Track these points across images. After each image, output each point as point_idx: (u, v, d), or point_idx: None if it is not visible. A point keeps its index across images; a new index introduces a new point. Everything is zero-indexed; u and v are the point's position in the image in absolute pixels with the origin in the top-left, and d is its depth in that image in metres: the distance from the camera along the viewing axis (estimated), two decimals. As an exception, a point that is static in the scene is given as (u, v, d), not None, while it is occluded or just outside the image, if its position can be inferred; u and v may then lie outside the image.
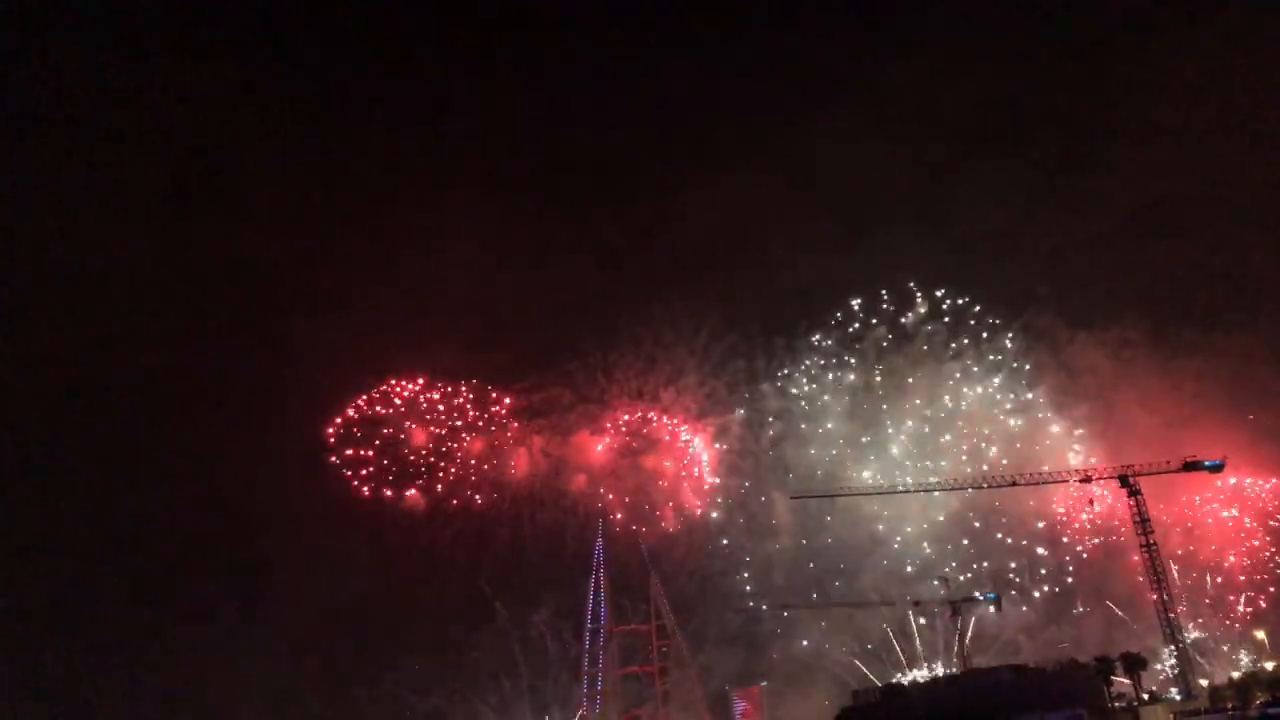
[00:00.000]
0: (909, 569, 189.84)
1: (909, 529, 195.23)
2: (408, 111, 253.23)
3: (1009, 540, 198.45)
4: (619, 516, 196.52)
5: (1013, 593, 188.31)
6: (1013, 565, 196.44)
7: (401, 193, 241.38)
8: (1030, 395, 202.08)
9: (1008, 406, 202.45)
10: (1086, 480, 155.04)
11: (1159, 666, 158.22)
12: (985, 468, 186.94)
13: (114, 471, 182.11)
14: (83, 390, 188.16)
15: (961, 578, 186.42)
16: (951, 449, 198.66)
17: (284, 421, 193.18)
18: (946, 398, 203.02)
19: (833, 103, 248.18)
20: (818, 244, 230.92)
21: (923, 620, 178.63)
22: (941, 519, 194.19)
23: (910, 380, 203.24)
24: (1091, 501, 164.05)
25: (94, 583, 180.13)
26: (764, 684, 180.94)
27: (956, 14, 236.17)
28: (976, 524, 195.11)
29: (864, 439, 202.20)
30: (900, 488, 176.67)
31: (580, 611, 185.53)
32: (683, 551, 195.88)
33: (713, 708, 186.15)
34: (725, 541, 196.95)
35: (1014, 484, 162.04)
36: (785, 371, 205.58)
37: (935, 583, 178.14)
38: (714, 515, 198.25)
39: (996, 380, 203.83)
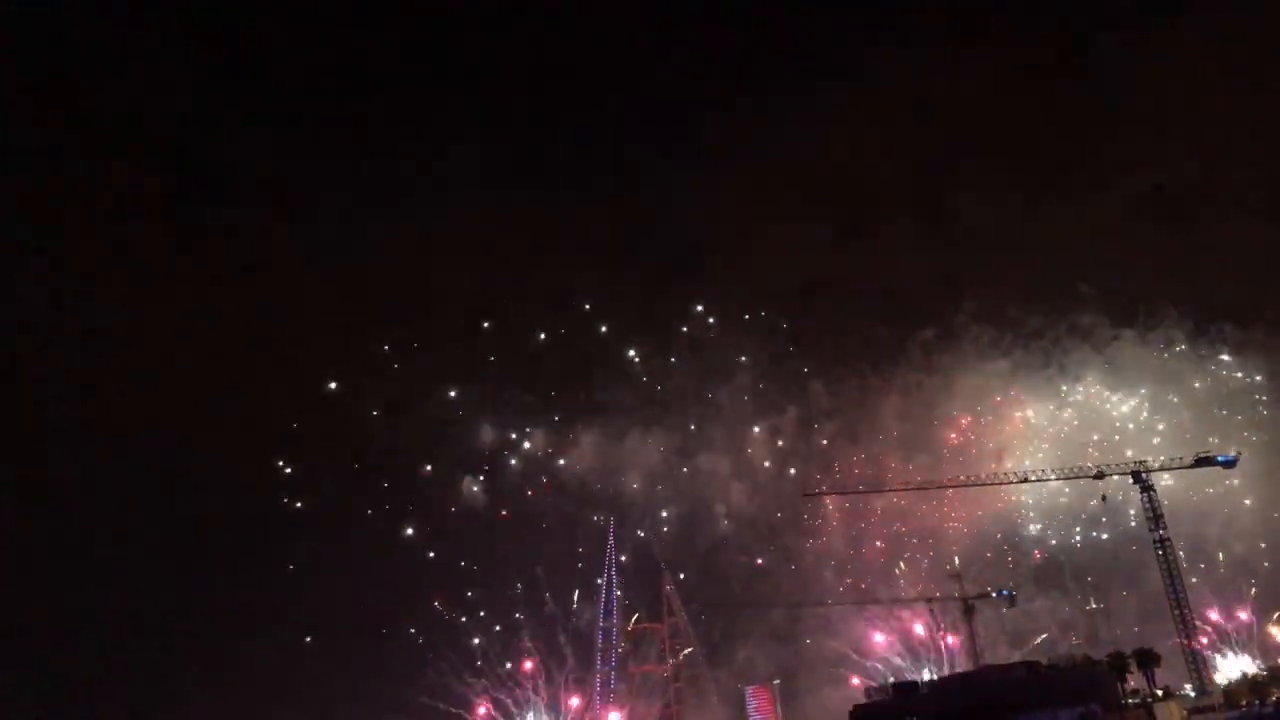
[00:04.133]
0: (927, 565, 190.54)
1: (935, 526, 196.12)
2: (402, 113, 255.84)
3: (1026, 536, 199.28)
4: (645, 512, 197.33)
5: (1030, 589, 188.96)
6: (1029, 562, 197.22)
7: (400, 195, 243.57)
8: (1067, 393, 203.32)
9: (1051, 407, 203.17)
10: (1099, 477, 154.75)
11: (1174, 662, 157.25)
12: (1011, 465, 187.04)
13: (114, 471, 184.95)
14: (84, 389, 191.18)
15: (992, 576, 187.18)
16: (984, 447, 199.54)
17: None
18: (989, 397, 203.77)
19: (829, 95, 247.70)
20: (834, 241, 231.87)
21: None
22: (958, 515, 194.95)
23: (955, 379, 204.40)
24: (1104, 497, 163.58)
25: (96, 583, 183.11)
26: (777, 682, 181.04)
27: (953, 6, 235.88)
28: (997, 520, 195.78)
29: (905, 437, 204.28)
30: (910, 485, 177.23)
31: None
32: (731, 549, 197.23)
33: (729, 704, 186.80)
34: (756, 536, 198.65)
35: (1025, 480, 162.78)
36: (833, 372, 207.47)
37: (952, 580, 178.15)
38: (760, 514, 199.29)
39: (1037, 379, 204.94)
